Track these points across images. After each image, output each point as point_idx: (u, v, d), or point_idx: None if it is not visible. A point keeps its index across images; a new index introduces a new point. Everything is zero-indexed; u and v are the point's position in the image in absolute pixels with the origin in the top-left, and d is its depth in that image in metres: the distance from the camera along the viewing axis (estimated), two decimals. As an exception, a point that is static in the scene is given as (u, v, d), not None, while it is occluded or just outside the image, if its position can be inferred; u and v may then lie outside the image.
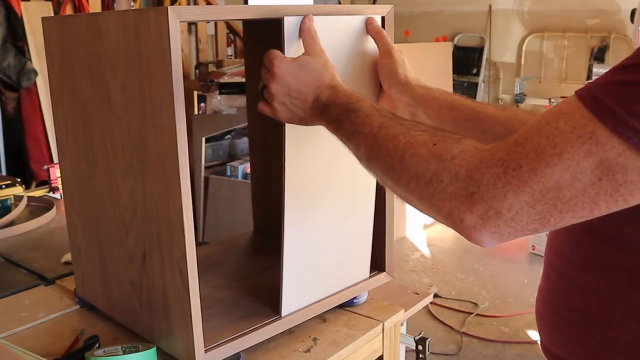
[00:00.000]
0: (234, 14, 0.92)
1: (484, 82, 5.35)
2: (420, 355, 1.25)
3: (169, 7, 0.81)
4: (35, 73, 3.65)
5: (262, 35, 1.15)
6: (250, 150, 1.46)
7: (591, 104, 0.59)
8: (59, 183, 2.06)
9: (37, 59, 3.67)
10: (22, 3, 3.63)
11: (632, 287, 0.71)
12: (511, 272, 3.53)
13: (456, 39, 5.42)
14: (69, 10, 3.88)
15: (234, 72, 3.71)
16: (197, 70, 4.66)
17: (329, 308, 1.11)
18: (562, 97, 4.37)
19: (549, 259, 0.84)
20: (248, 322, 1.01)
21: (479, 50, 5.32)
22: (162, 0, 4.62)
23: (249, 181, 2.18)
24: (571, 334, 0.79)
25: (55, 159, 3.49)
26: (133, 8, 4.16)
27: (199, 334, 0.91)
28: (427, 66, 4.14)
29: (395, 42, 1.06)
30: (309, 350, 1.05)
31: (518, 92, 5.08)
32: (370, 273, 1.17)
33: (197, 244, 0.90)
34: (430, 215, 0.70)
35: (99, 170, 1.03)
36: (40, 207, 1.92)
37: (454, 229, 0.67)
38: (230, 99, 3.64)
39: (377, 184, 1.10)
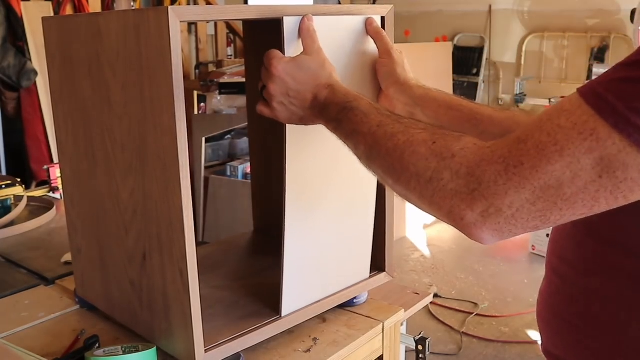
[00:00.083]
0: (234, 14, 0.92)
1: (484, 82, 5.35)
2: (420, 355, 1.25)
3: (169, 7, 0.81)
4: (35, 73, 3.65)
5: (262, 35, 1.15)
6: (250, 150, 1.46)
7: (593, 101, 0.59)
8: (59, 183, 2.06)
9: (37, 59, 3.67)
10: (22, 3, 3.63)
11: (635, 290, 0.71)
12: (511, 272, 3.53)
13: (456, 39, 5.42)
14: (69, 10, 3.88)
15: (234, 72, 3.71)
16: (197, 70, 4.66)
17: (329, 308, 1.11)
18: (562, 97, 4.36)
19: (551, 262, 0.84)
20: (248, 322, 1.01)
21: (479, 50, 5.32)
22: (162, 0, 4.63)
23: (249, 181, 2.18)
24: (573, 337, 0.79)
25: (55, 159, 3.50)
26: (133, 8, 4.16)
27: (199, 334, 0.91)
28: (427, 66, 4.14)
29: (395, 42, 1.06)
30: (309, 350, 1.05)
31: (518, 92, 5.08)
32: (370, 273, 1.17)
33: (197, 244, 0.90)
34: (430, 214, 0.70)
35: (99, 170, 1.03)
36: (40, 207, 1.92)
37: (454, 226, 0.67)
38: (230, 99, 3.64)
39: (378, 183, 1.10)
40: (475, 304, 3.12)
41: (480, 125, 0.95)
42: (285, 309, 1.03)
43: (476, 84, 5.31)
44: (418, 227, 4.17)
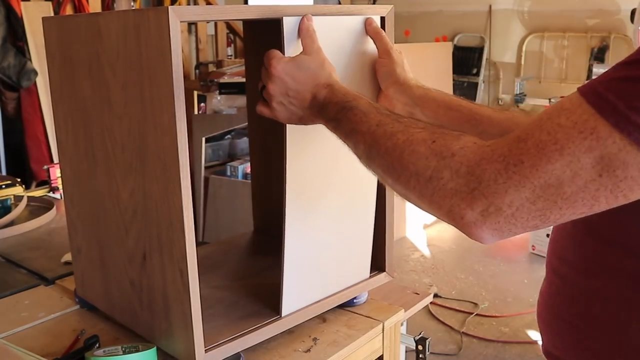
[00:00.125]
0: (234, 14, 0.92)
1: (484, 82, 5.35)
2: (420, 355, 1.25)
3: (170, 7, 0.81)
4: (35, 73, 3.65)
5: (262, 35, 1.15)
6: (250, 150, 1.46)
7: (593, 100, 0.59)
8: (59, 183, 2.06)
9: (37, 59, 3.67)
10: (22, 3, 3.63)
11: (636, 290, 0.71)
12: (511, 272, 3.53)
13: (456, 39, 5.42)
14: (69, 10, 3.88)
15: (234, 72, 3.71)
16: (197, 70, 4.66)
17: (329, 308, 1.11)
18: (562, 97, 4.36)
19: (551, 263, 0.84)
20: (248, 322, 1.01)
21: (479, 50, 5.32)
22: (162, 0, 4.63)
23: (249, 181, 2.18)
24: (574, 338, 0.79)
25: (55, 159, 3.50)
26: (133, 8, 4.16)
27: (199, 334, 0.91)
28: (427, 66, 4.14)
29: (395, 42, 1.06)
30: (309, 350, 1.05)
31: (518, 92, 5.08)
32: (370, 273, 1.17)
33: (197, 244, 0.90)
34: (430, 213, 0.70)
35: (99, 170, 1.03)
36: (40, 207, 1.92)
37: (454, 225, 0.67)
38: (230, 99, 3.64)
39: (378, 183, 1.10)
40: (475, 304, 3.12)
41: (479, 125, 0.95)
42: (285, 309, 1.03)
43: (476, 84, 5.32)
44: (418, 227, 4.17)
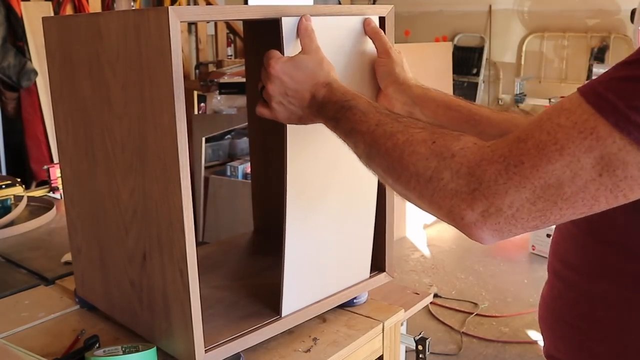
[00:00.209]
0: (234, 14, 0.92)
1: (484, 82, 5.35)
2: (420, 355, 1.25)
3: (170, 7, 0.81)
4: (35, 73, 3.65)
5: (262, 35, 1.15)
6: (250, 150, 1.46)
7: (593, 100, 0.59)
8: (59, 183, 2.06)
9: (37, 59, 3.67)
10: (22, 3, 3.63)
11: (638, 292, 0.71)
12: (511, 272, 3.53)
13: (456, 39, 5.42)
14: (69, 10, 3.88)
15: (234, 72, 3.71)
16: (197, 70, 4.66)
17: (329, 308, 1.11)
18: (562, 97, 4.36)
19: (553, 266, 0.83)
20: (248, 322, 1.01)
21: (479, 50, 5.32)
22: (162, 0, 4.63)
23: (249, 181, 2.18)
24: (576, 340, 0.78)
25: (55, 159, 3.49)
26: (133, 8, 4.16)
27: (199, 334, 0.91)
28: (427, 66, 4.14)
29: (395, 42, 1.06)
30: (309, 350, 1.05)
31: (518, 92, 5.08)
32: (370, 273, 1.17)
33: (197, 244, 0.90)
34: (430, 213, 0.70)
35: (99, 170, 1.03)
36: (40, 207, 1.92)
37: (454, 226, 0.67)
38: (230, 99, 3.64)
39: (378, 183, 1.10)
40: (475, 304, 3.12)
41: (478, 125, 0.95)
42: (285, 309, 1.03)
43: (476, 84, 5.32)
44: (418, 227, 4.17)
